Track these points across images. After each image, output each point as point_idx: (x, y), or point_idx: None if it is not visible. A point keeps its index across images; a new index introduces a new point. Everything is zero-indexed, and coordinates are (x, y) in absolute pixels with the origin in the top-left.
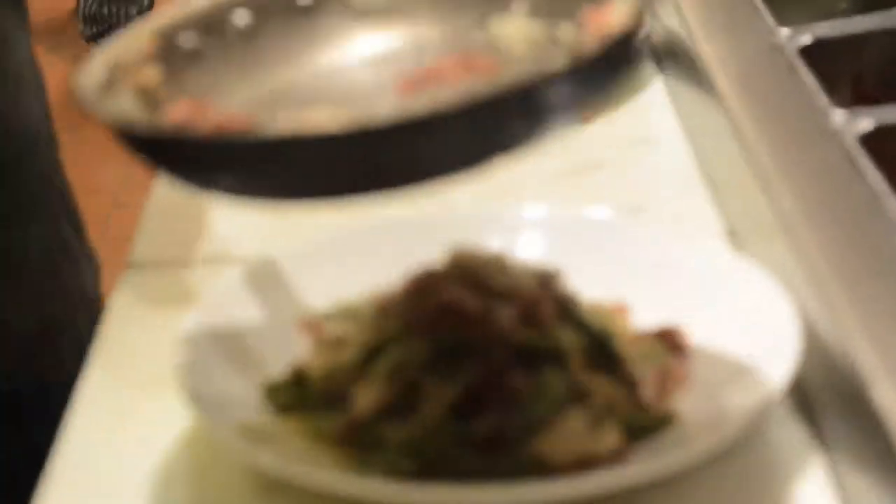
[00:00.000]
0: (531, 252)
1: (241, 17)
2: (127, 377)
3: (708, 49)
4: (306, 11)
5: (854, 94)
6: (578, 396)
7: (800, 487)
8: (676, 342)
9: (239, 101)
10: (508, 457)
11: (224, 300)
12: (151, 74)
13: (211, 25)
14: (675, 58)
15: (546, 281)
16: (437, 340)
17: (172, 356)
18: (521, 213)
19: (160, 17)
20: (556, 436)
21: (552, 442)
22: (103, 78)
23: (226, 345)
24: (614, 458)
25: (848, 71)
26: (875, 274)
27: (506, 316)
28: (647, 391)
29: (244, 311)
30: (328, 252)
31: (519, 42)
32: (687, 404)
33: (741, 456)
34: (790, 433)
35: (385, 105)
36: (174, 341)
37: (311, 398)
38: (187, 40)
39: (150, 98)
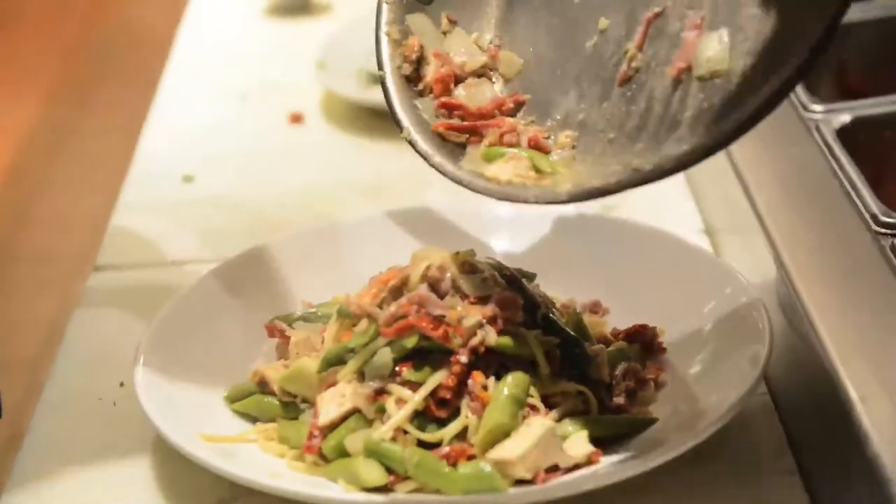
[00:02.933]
0: (505, 250)
1: None
2: (93, 382)
3: None
4: None
5: (835, 86)
6: (547, 403)
7: (770, 488)
8: (650, 343)
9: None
10: (474, 465)
11: (187, 305)
12: (413, 40)
13: None
14: None
15: (517, 282)
16: (403, 345)
17: (136, 362)
18: (495, 211)
19: None
20: (523, 446)
21: (519, 452)
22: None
23: (188, 351)
24: (584, 463)
25: (830, 63)
26: (852, 271)
27: (473, 320)
28: (620, 393)
29: (208, 315)
30: (294, 254)
31: None
32: (659, 405)
33: (713, 456)
34: (761, 434)
35: None
36: (138, 346)
37: (275, 405)
38: None
39: (416, 65)
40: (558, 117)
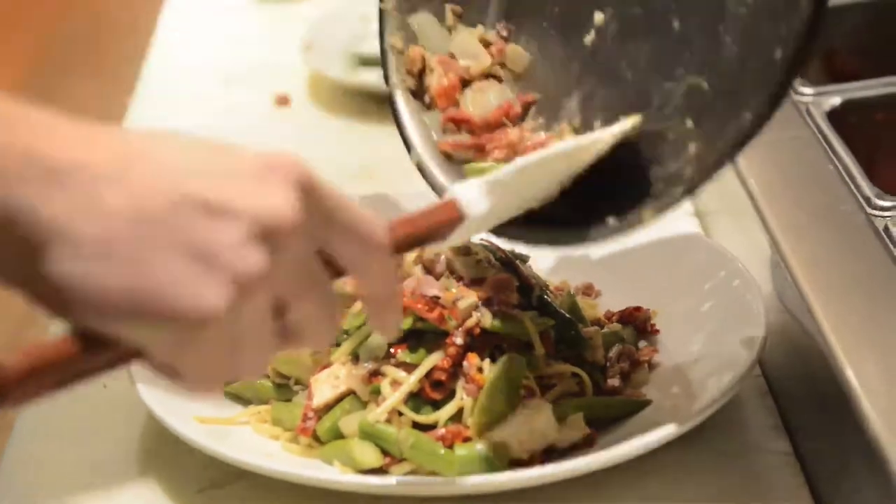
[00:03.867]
0: None
1: None
2: None
3: None
4: None
5: (825, 69)
6: (542, 385)
7: (765, 470)
8: (644, 325)
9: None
10: (470, 447)
11: None
12: (415, 52)
13: None
14: None
15: (511, 264)
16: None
17: None
18: None
19: None
20: (519, 427)
21: (515, 433)
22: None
23: None
24: (580, 444)
25: (819, 46)
26: (847, 254)
27: (468, 302)
28: (615, 375)
29: None
30: None
31: None
32: (654, 387)
33: (708, 438)
34: (755, 417)
35: None
36: None
37: (268, 387)
38: None
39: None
40: (566, 120)
